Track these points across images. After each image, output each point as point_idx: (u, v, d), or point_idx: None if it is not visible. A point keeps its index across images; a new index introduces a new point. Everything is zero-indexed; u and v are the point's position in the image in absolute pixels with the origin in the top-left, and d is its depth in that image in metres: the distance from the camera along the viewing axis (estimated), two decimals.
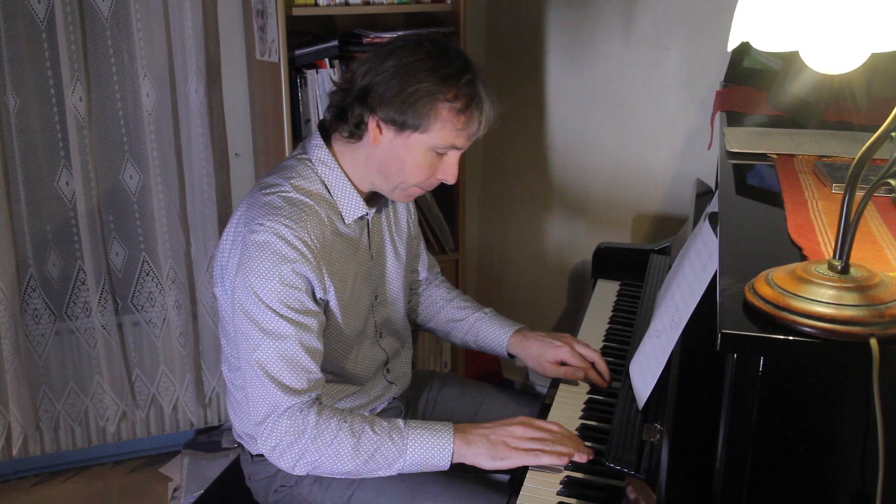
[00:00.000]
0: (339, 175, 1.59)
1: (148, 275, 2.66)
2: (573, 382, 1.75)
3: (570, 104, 2.79)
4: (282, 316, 1.47)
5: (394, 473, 1.49)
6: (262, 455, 1.69)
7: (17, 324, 2.48)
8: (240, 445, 1.76)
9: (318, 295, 1.54)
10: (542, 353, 1.78)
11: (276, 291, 1.46)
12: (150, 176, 2.54)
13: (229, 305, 1.60)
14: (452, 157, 1.55)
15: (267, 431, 1.48)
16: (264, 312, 1.46)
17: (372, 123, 1.52)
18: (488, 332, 1.86)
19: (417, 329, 1.94)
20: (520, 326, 1.85)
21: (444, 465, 1.49)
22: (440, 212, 2.68)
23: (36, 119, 2.42)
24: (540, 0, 2.77)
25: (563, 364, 1.77)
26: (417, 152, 1.52)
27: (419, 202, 2.63)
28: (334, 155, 1.60)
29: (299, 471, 1.49)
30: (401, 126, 1.49)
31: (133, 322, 2.68)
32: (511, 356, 1.85)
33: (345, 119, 1.54)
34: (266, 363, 1.47)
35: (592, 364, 1.76)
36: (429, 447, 1.48)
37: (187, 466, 2.72)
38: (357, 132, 1.54)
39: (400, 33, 2.45)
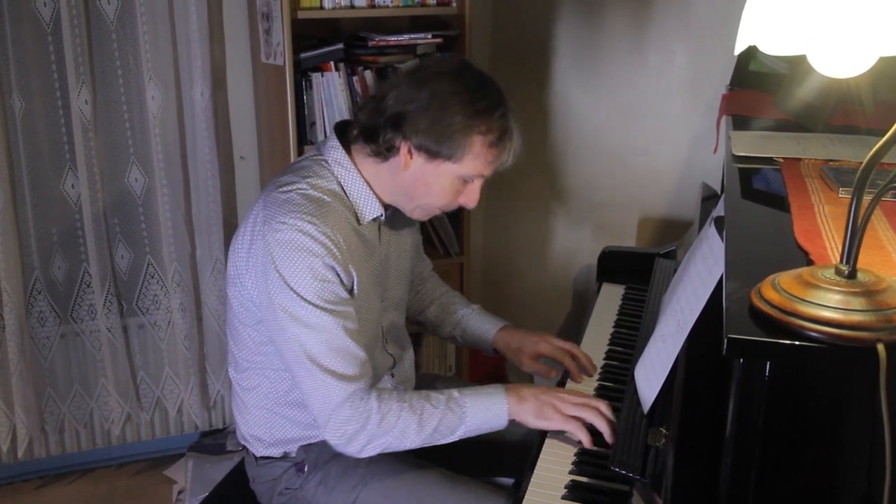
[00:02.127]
0: (356, 177, 1.60)
1: (153, 277, 2.66)
2: (551, 381, 1.81)
3: (575, 107, 2.79)
4: (322, 309, 1.48)
5: (455, 439, 1.54)
6: (266, 458, 1.70)
7: (23, 326, 2.48)
8: (244, 448, 1.76)
9: (347, 287, 1.55)
10: (520, 347, 1.85)
11: (312, 287, 1.48)
12: (155, 179, 2.55)
13: (241, 306, 1.61)
14: (477, 185, 1.59)
15: (333, 424, 1.50)
16: (305, 308, 1.48)
17: (404, 149, 1.54)
18: (475, 327, 1.90)
19: (408, 320, 1.96)
20: (505, 323, 1.90)
21: (502, 424, 1.54)
22: (445, 215, 2.68)
23: (42, 122, 2.43)
24: (545, 3, 2.76)
25: (541, 359, 1.83)
26: (446, 180, 1.55)
27: None
28: (352, 158, 1.61)
29: (366, 454, 1.52)
30: (434, 155, 1.52)
31: (138, 325, 2.69)
32: (496, 351, 1.91)
33: (374, 139, 1.56)
34: (317, 357, 1.48)
35: (574, 357, 1.80)
36: (486, 410, 1.53)
37: (192, 469, 2.72)
38: (386, 154, 1.56)
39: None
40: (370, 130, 1.56)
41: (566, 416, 1.53)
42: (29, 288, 2.52)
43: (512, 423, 1.58)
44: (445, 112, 1.50)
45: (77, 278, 2.58)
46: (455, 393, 1.55)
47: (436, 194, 1.57)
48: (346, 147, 1.61)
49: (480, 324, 1.90)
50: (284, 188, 1.55)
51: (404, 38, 2.49)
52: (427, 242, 2.44)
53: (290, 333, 1.50)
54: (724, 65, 2.31)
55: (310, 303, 1.48)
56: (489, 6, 2.94)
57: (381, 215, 1.63)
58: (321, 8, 2.34)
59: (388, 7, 2.42)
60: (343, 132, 1.63)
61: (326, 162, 1.60)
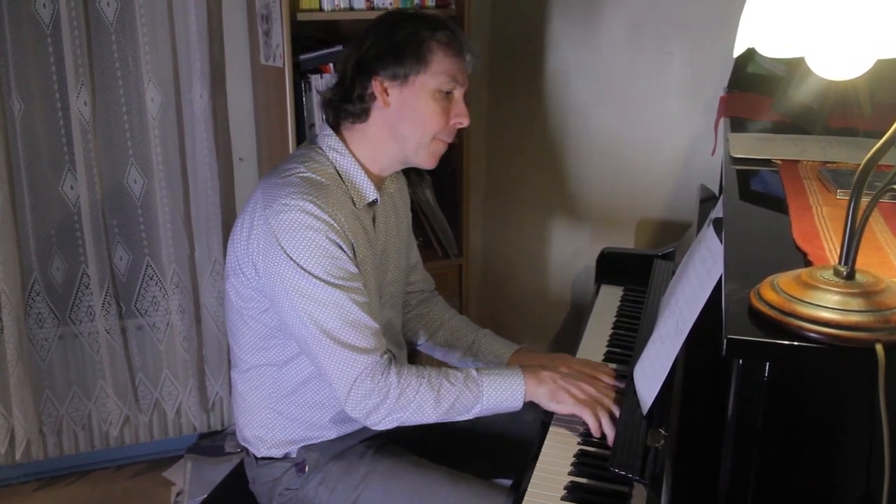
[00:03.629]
0: (350, 160, 1.62)
1: (152, 279, 2.66)
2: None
3: (573, 109, 2.79)
4: (332, 284, 1.50)
5: (471, 417, 1.56)
6: (266, 458, 1.70)
7: (21, 328, 2.48)
8: (244, 449, 1.76)
9: (354, 263, 1.56)
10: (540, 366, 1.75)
11: (320, 263, 1.50)
12: (154, 180, 2.55)
13: (241, 298, 1.62)
14: (458, 97, 1.62)
15: (354, 397, 1.52)
16: (315, 284, 1.50)
17: (377, 88, 1.58)
18: (488, 350, 1.85)
19: (413, 348, 1.94)
20: (519, 346, 1.85)
21: (518, 405, 1.56)
22: (444, 217, 2.68)
23: (41, 123, 2.43)
24: (544, 5, 2.77)
25: None
26: (427, 97, 1.58)
27: (422, 207, 2.63)
28: (344, 141, 1.63)
29: (384, 427, 1.55)
30: (403, 77, 1.57)
31: (137, 326, 2.69)
32: None
33: (349, 101, 1.60)
34: (332, 331, 1.50)
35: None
36: (503, 390, 1.55)
37: (190, 471, 2.72)
38: (364, 107, 1.60)
39: None
40: (343, 94, 1.61)
41: (578, 401, 1.54)
42: (27, 289, 2.52)
43: (513, 421, 1.58)
44: (395, 33, 1.57)
45: (76, 280, 2.58)
46: (473, 372, 1.56)
47: (427, 117, 1.59)
48: (339, 134, 1.65)
49: (494, 348, 1.85)
50: (283, 174, 1.57)
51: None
52: (426, 244, 2.45)
53: (302, 311, 1.51)
54: (722, 67, 2.31)
55: (319, 279, 1.49)
56: (488, 8, 2.94)
57: (376, 199, 1.65)
58: (320, 10, 2.34)
59: (387, 9, 2.42)
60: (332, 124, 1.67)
61: (321, 148, 1.63)
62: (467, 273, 2.75)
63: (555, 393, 1.55)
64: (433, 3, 2.50)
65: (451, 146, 2.60)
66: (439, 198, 2.67)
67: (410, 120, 1.59)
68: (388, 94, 1.58)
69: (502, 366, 1.80)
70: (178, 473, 2.75)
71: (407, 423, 1.55)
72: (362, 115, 1.60)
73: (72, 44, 2.34)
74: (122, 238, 2.60)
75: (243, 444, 1.75)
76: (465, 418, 1.56)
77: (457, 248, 2.72)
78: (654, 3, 2.52)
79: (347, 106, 1.60)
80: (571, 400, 1.54)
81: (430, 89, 1.57)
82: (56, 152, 2.47)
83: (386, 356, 1.54)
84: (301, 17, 2.29)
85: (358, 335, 1.51)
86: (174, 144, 2.54)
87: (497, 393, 1.54)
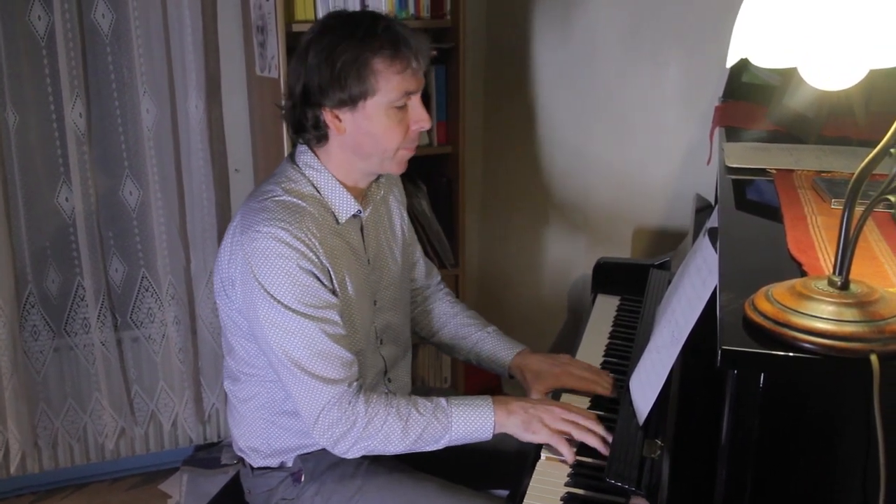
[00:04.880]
0: (327, 175, 1.61)
1: (147, 291, 2.66)
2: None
3: (570, 119, 2.80)
4: (303, 314, 1.49)
5: (440, 448, 1.55)
6: (262, 468, 1.70)
7: (16, 340, 2.47)
8: (240, 460, 1.75)
9: (329, 289, 1.55)
10: (538, 377, 1.75)
11: (291, 292, 1.49)
12: (149, 192, 2.55)
13: (229, 318, 1.62)
14: (414, 103, 1.57)
15: (321, 426, 1.51)
16: (285, 314, 1.49)
17: (328, 117, 1.55)
18: (490, 351, 1.85)
19: (422, 343, 1.93)
20: (522, 348, 1.84)
21: (487, 436, 1.54)
22: (440, 227, 2.68)
23: (36, 135, 2.42)
24: (540, 15, 2.78)
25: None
26: (380, 116, 1.54)
27: (418, 217, 2.63)
28: (318, 158, 1.62)
29: (352, 455, 1.54)
30: (352, 103, 1.53)
31: (132, 338, 2.68)
32: (511, 377, 1.84)
33: (304, 128, 1.59)
34: (301, 361, 1.49)
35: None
36: (472, 421, 1.53)
37: (186, 483, 2.71)
38: (320, 133, 1.58)
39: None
40: (296, 125, 1.60)
41: (553, 431, 1.52)
42: (22, 301, 2.52)
43: (508, 434, 1.57)
44: (333, 59, 1.51)
45: (71, 292, 2.58)
46: (443, 402, 1.55)
47: (384, 136, 1.56)
48: (314, 150, 1.63)
49: (495, 349, 1.85)
50: (260, 197, 1.57)
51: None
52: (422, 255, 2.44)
53: (273, 340, 1.50)
54: (717, 76, 2.32)
55: (290, 308, 1.49)
56: (483, 19, 2.95)
57: (359, 211, 1.63)
58: (316, 20, 2.34)
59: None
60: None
61: (298, 166, 1.62)
62: (464, 283, 2.75)
63: (528, 423, 1.53)
64: (428, 15, 2.50)
65: (447, 156, 2.64)
66: (435, 208, 2.67)
67: (368, 141, 1.57)
68: (340, 121, 1.55)
69: (505, 365, 1.82)
70: (175, 486, 2.74)
71: (375, 452, 1.54)
72: (321, 140, 1.59)
73: (66, 55, 2.35)
74: (118, 249, 2.60)
75: (239, 454, 1.75)
76: (435, 448, 1.54)
77: (453, 258, 2.72)
78: (649, 12, 2.52)
79: (303, 134, 1.60)
80: (545, 430, 1.51)
81: (383, 109, 1.54)
82: (51, 164, 2.47)
83: (355, 384, 1.53)
84: (296, 27, 2.29)
85: (326, 366, 1.50)
86: (169, 156, 2.54)
87: (466, 424, 1.53)
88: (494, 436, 1.54)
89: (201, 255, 2.64)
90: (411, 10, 2.49)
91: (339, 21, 1.55)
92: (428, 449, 1.54)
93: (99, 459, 2.73)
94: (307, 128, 1.58)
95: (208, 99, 2.54)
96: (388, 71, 1.51)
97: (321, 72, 1.52)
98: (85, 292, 2.55)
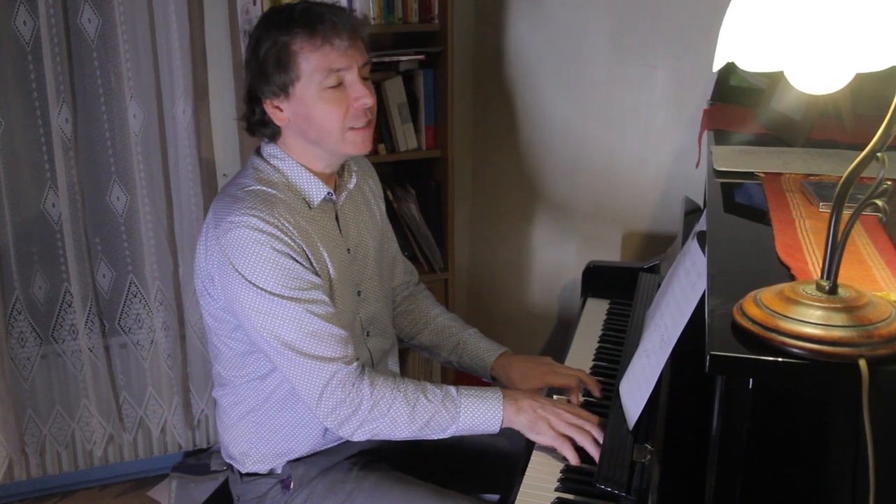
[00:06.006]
0: (292, 163, 1.61)
1: (135, 296, 2.64)
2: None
3: (557, 122, 2.80)
4: (287, 298, 1.48)
5: (447, 437, 1.54)
6: (251, 474, 1.69)
7: (3, 347, 2.45)
8: (229, 467, 1.74)
9: (311, 270, 1.54)
10: (523, 380, 1.75)
11: (271, 276, 1.48)
12: (137, 197, 2.53)
13: (213, 318, 1.62)
14: (350, 79, 1.53)
15: (325, 407, 1.50)
16: (269, 299, 1.48)
17: (269, 109, 1.56)
18: (473, 353, 1.84)
19: (402, 345, 1.93)
20: (503, 350, 1.83)
21: (495, 429, 1.53)
22: (429, 231, 2.68)
23: (22, 140, 2.41)
24: (527, 19, 2.78)
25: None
26: (313, 99, 1.53)
27: (407, 221, 2.63)
28: (281, 149, 1.62)
29: (359, 438, 1.53)
30: (283, 89, 1.52)
31: (120, 344, 2.66)
32: (493, 379, 1.82)
33: (254, 128, 1.61)
34: (294, 343, 1.49)
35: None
36: (481, 413, 1.52)
37: (175, 489, 2.69)
38: (270, 128, 1.59)
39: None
40: (248, 125, 1.61)
41: (558, 434, 1.51)
42: (9, 308, 2.50)
43: (500, 438, 1.57)
44: (258, 49, 1.52)
45: (58, 298, 2.56)
46: (453, 390, 1.54)
47: (322, 119, 1.54)
48: (276, 144, 1.64)
49: (478, 350, 1.83)
50: (231, 190, 1.57)
51: (387, 55, 2.49)
52: (411, 258, 2.44)
53: (261, 327, 1.50)
54: (705, 79, 2.32)
55: (273, 293, 1.48)
56: (471, 23, 2.95)
57: (329, 194, 1.63)
58: None
59: (370, 25, 2.42)
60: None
61: (264, 157, 1.62)
62: (453, 287, 2.75)
63: (535, 423, 1.52)
64: (416, 19, 2.50)
65: (436, 160, 2.63)
66: (424, 212, 2.67)
67: (309, 126, 1.55)
68: (281, 111, 1.55)
69: (487, 366, 1.81)
70: (164, 492, 2.73)
71: (381, 436, 1.53)
72: (275, 134, 1.60)
73: (52, 60, 2.33)
74: (105, 255, 2.58)
75: (228, 460, 1.74)
76: (441, 437, 1.54)
77: (442, 262, 2.72)
78: (637, 16, 2.53)
79: (259, 131, 1.61)
80: (551, 433, 1.51)
81: (314, 91, 1.51)
82: (37, 169, 2.45)
83: (355, 364, 1.53)
84: None
85: (321, 344, 1.50)
86: (157, 161, 2.53)
87: (474, 415, 1.53)
88: (501, 430, 1.54)
89: (189, 261, 2.63)
90: (399, 13, 2.49)
91: (264, 15, 1.58)
92: (434, 437, 1.54)
93: (87, 466, 2.72)
94: (256, 125, 1.59)
95: (196, 104, 2.52)
96: (305, 51, 1.49)
97: (251, 67, 1.54)
98: (72, 298, 2.54)
